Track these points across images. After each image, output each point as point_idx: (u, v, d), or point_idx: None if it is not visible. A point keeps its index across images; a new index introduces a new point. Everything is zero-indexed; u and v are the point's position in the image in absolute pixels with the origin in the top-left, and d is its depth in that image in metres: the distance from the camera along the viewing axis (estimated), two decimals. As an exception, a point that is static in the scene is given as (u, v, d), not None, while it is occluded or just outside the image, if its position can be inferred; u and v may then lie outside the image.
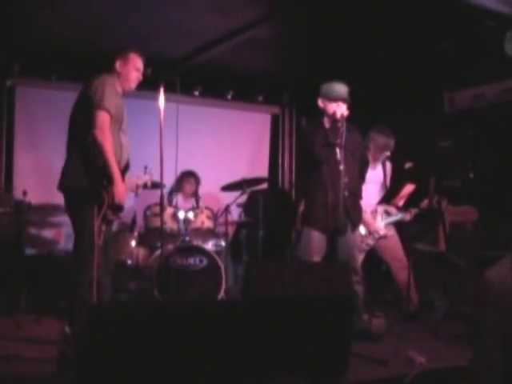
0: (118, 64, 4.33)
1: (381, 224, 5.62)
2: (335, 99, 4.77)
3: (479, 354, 2.10)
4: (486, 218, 5.95)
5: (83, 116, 4.10)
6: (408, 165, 5.69)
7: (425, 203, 5.65)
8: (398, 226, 5.79)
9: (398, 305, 5.62)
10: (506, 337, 2.00)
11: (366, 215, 5.50)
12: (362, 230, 5.50)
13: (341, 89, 4.81)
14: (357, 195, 4.96)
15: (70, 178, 4.10)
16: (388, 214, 5.75)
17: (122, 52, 4.38)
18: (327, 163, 4.74)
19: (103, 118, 4.03)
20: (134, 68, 4.37)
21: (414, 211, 5.67)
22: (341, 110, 4.75)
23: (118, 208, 4.13)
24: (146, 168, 4.55)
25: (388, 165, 5.87)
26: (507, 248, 3.76)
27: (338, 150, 4.69)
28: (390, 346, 4.25)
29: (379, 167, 5.80)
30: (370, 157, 5.64)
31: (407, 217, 5.68)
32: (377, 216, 5.63)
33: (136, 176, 4.49)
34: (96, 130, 4.00)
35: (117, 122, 4.17)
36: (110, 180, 4.01)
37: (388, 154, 5.71)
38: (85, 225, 4.01)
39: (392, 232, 5.72)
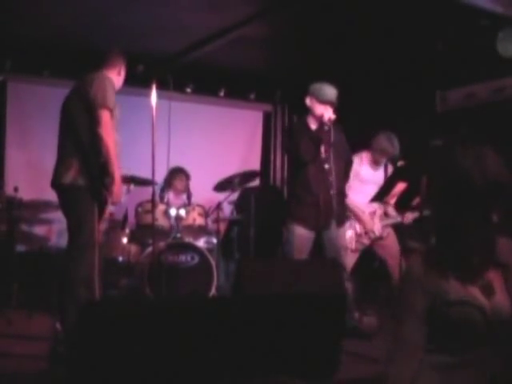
0: (117, 61, 4.38)
1: (378, 225, 5.63)
2: (324, 102, 4.79)
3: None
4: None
5: (81, 114, 4.09)
6: (400, 163, 5.69)
7: (417, 202, 5.64)
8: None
9: (390, 303, 5.62)
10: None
11: (364, 215, 5.52)
12: (358, 228, 5.53)
13: (331, 92, 4.82)
14: (343, 193, 4.99)
15: (66, 176, 4.06)
16: (386, 215, 5.75)
17: (115, 50, 4.42)
18: (314, 162, 4.76)
19: (106, 117, 4.04)
20: (123, 68, 4.46)
21: (412, 216, 5.65)
22: (328, 113, 4.76)
23: (113, 205, 4.15)
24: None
25: (390, 168, 5.87)
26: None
27: (324, 149, 4.73)
28: (381, 343, 4.25)
29: (381, 169, 5.80)
30: (370, 156, 5.64)
31: (406, 220, 5.66)
32: (375, 217, 5.64)
33: None
34: (100, 128, 4.00)
35: (114, 119, 4.17)
36: (110, 178, 4.00)
37: (384, 159, 5.70)
38: (84, 223, 4.00)
39: (389, 231, 5.72)
